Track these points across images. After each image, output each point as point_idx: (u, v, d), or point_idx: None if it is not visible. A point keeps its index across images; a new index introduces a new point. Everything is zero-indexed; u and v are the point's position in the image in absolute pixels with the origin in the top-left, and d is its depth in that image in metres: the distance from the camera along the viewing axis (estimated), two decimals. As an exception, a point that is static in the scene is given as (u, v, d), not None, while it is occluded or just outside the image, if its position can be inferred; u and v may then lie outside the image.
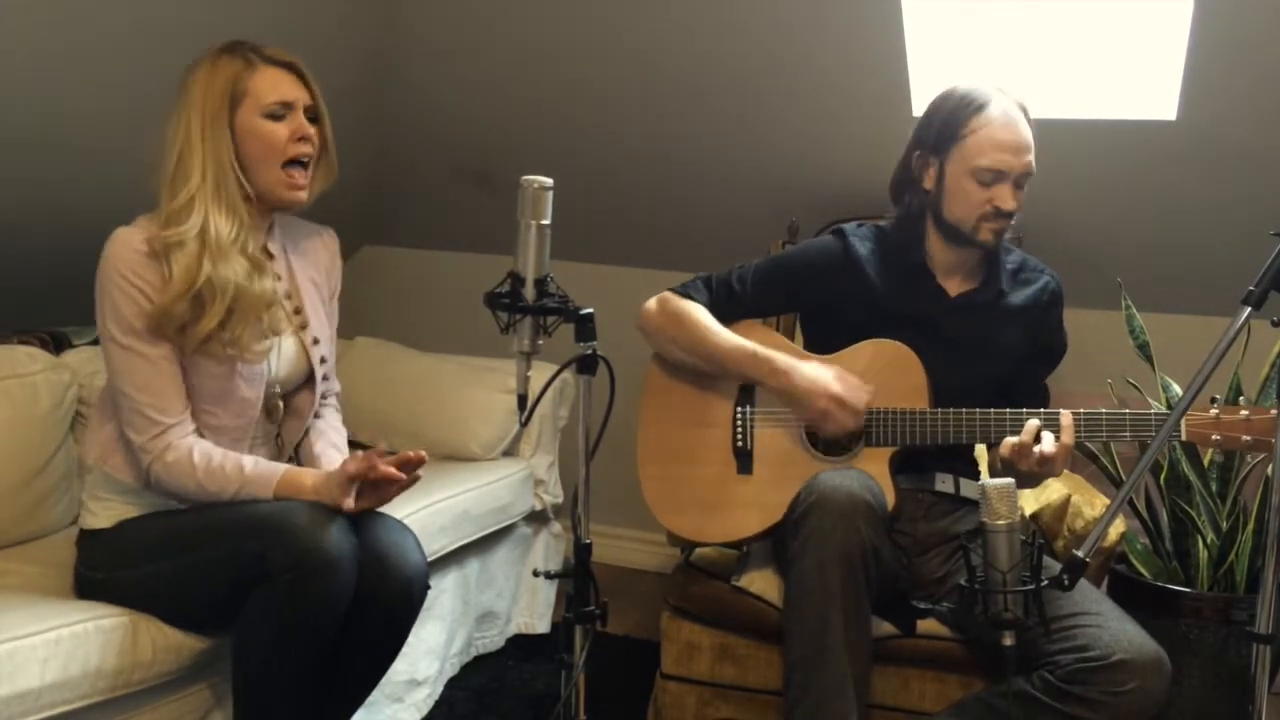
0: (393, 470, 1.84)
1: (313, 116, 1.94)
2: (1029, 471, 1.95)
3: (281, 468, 1.89)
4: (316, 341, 2.04)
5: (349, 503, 1.82)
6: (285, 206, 1.96)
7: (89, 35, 2.29)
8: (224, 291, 1.83)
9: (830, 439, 2.12)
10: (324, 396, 2.10)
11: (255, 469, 1.87)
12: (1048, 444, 1.94)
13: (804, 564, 1.91)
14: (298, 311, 2.03)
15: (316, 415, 2.09)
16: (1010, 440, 1.95)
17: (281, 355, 1.98)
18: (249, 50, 1.90)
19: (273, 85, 1.89)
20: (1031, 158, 2.09)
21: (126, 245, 1.83)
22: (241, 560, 1.76)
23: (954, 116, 2.11)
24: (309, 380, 2.06)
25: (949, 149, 2.11)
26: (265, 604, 1.75)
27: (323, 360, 2.06)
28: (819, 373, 2.08)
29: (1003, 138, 2.07)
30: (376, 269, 3.80)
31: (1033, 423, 1.96)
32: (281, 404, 2.03)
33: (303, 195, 1.94)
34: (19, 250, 2.58)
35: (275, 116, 1.89)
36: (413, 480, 1.91)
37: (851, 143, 2.86)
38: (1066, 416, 1.97)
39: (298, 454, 2.07)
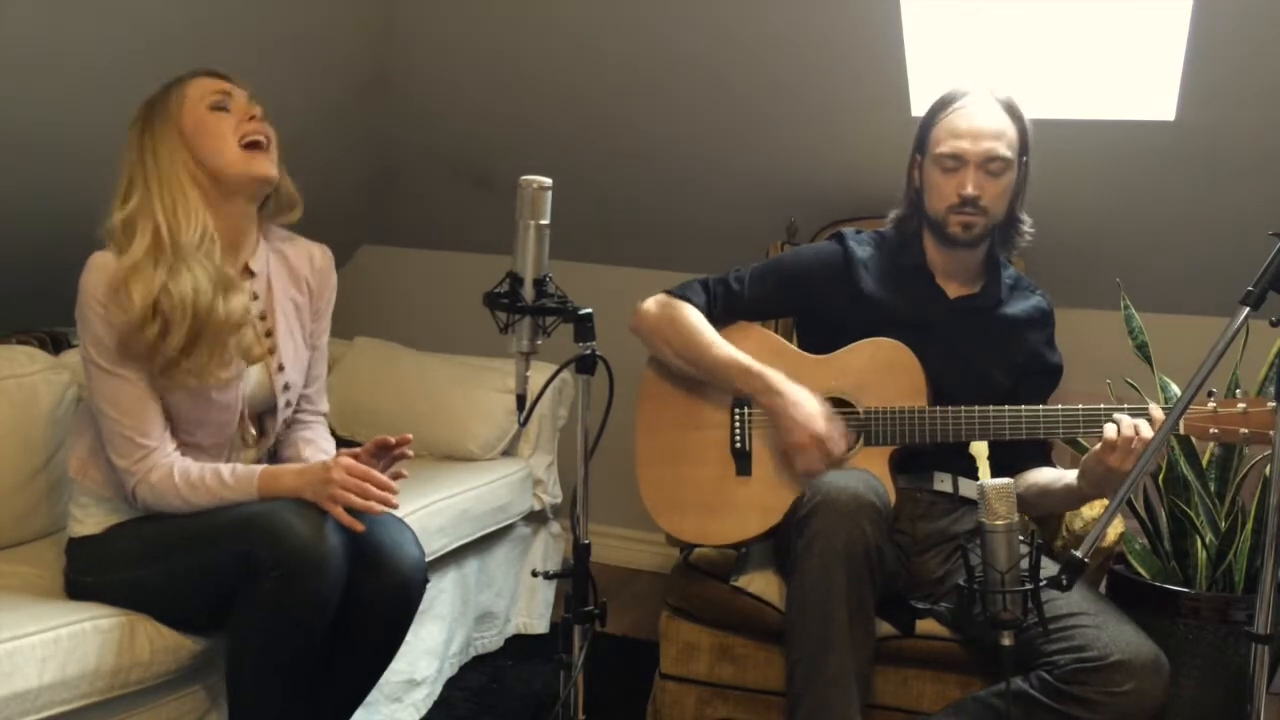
0: (379, 478, 1.83)
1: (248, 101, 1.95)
2: (1119, 467, 1.86)
3: (258, 469, 1.88)
4: (281, 369, 2.00)
5: (340, 514, 1.80)
6: (255, 183, 1.92)
7: (88, 39, 2.29)
8: (184, 305, 1.80)
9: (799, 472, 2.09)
10: (298, 412, 2.08)
11: (234, 475, 1.87)
12: (1145, 429, 1.87)
13: (808, 563, 1.91)
14: (269, 334, 2.00)
15: (288, 423, 2.07)
16: (1111, 431, 1.87)
17: (248, 379, 1.96)
18: (168, 86, 1.92)
19: (205, 84, 1.91)
20: (995, 145, 2.09)
21: (102, 270, 1.82)
22: (230, 561, 1.76)
23: (929, 114, 2.18)
24: (273, 406, 2.03)
25: (924, 146, 2.16)
26: (254, 603, 1.75)
27: (286, 387, 2.02)
28: (811, 406, 2.07)
29: (959, 125, 2.10)
30: (376, 269, 3.80)
31: (1125, 416, 1.89)
32: (253, 426, 2.01)
33: (270, 168, 1.91)
34: (18, 251, 2.58)
35: (218, 106, 1.89)
36: (394, 475, 1.89)
37: (851, 144, 2.86)
38: (1157, 409, 1.92)
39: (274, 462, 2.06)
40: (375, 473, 1.84)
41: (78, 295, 1.84)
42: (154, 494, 1.86)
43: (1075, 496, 2.05)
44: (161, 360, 1.82)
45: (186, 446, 1.92)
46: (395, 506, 1.85)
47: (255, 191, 1.94)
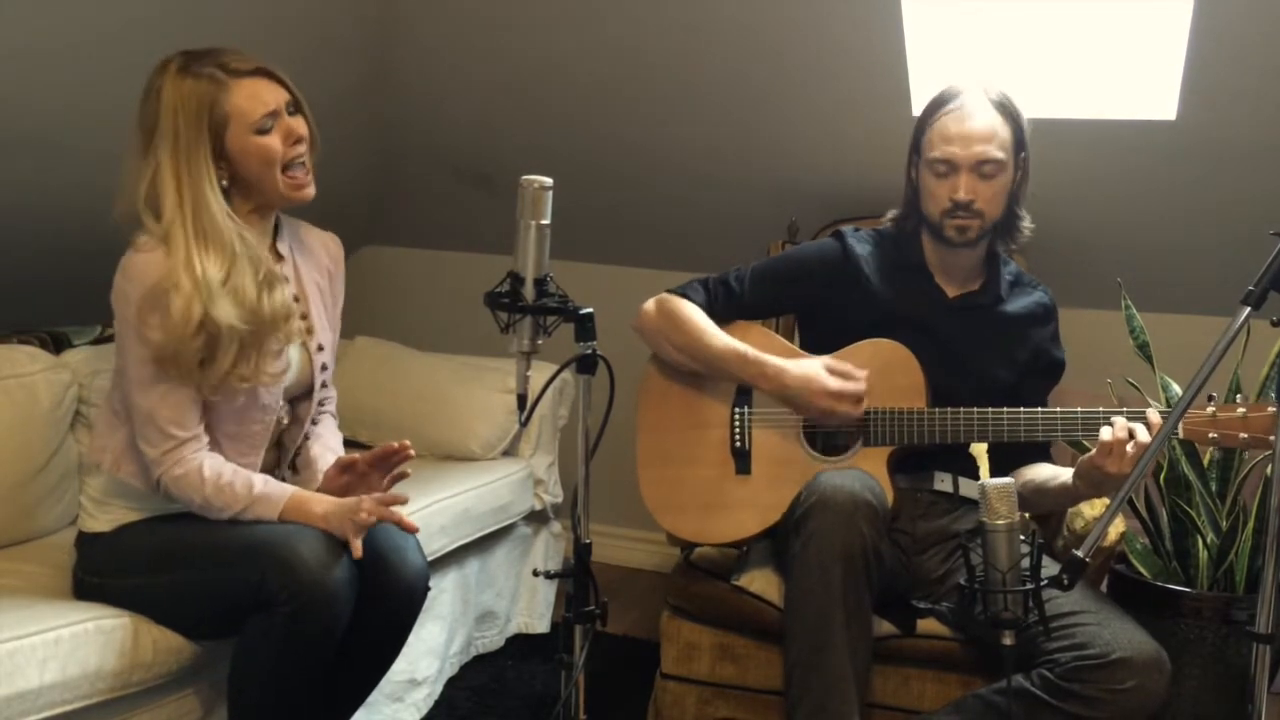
0: (388, 507, 1.84)
1: (293, 110, 1.90)
2: (1118, 472, 1.86)
3: (290, 490, 1.87)
4: (321, 349, 2.02)
5: (356, 544, 1.80)
6: (297, 204, 1.92)
7: (89, 35, 2.29)
8: (229, 332, 1.78)
9: (832, 434, 2.12)
10: (321, 403, 2.09)
11: (264, 489, 1.85)
12: (1142, 434, 1.86)
13: (805, 563, 1.91)
14: (303, 317, 2.00)
15: (314, 421, 2.08)
16: (1106, 434, 1.86)
17: (290, 363, 1.96)
18: (213, 66, 1.81)
19: (254, 98, 1.83)
20: (986, 148, 2.08)
21: (140, 281, 1.78)
22: (239, 586, 1.75)
23: (923, 115, 2.17)
24: (310, 387, 2.04)
25: (919, 147, 2.16)
26: (263, 633, 1.74)
27: (324, 367, 2.03)
28: (809, 370, 2.08)
29: (951, 129, 2.10)
30: (377, 269, 3.80)
31: (1121, 420, 1.88)
32: (289, 406, 2.01)
33: (310, 191, 1.91)
34: (19, 250, 2.58)
35: (264, 130, 1.84)
36: (399, 475, 1.91)
37: (852, 143, 2.86)
38: (1154, 414, 1.91)
39: (295, 460, 2.06)
40: (399, 503, 1.85)
41: (115, 297, 1.82)
42: (176, 486, 1.85)
43: (1071, 495, 2.06)
44: (215, 375, 1.80)
45: (228, 437, 1.90)
46: (414, 529, 1.87)
47: (291, 207, 1.95)
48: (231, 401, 1.87)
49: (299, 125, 1.89)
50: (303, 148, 1.89)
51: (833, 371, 2.07)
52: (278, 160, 1.86)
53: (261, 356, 1.85)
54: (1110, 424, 1.88)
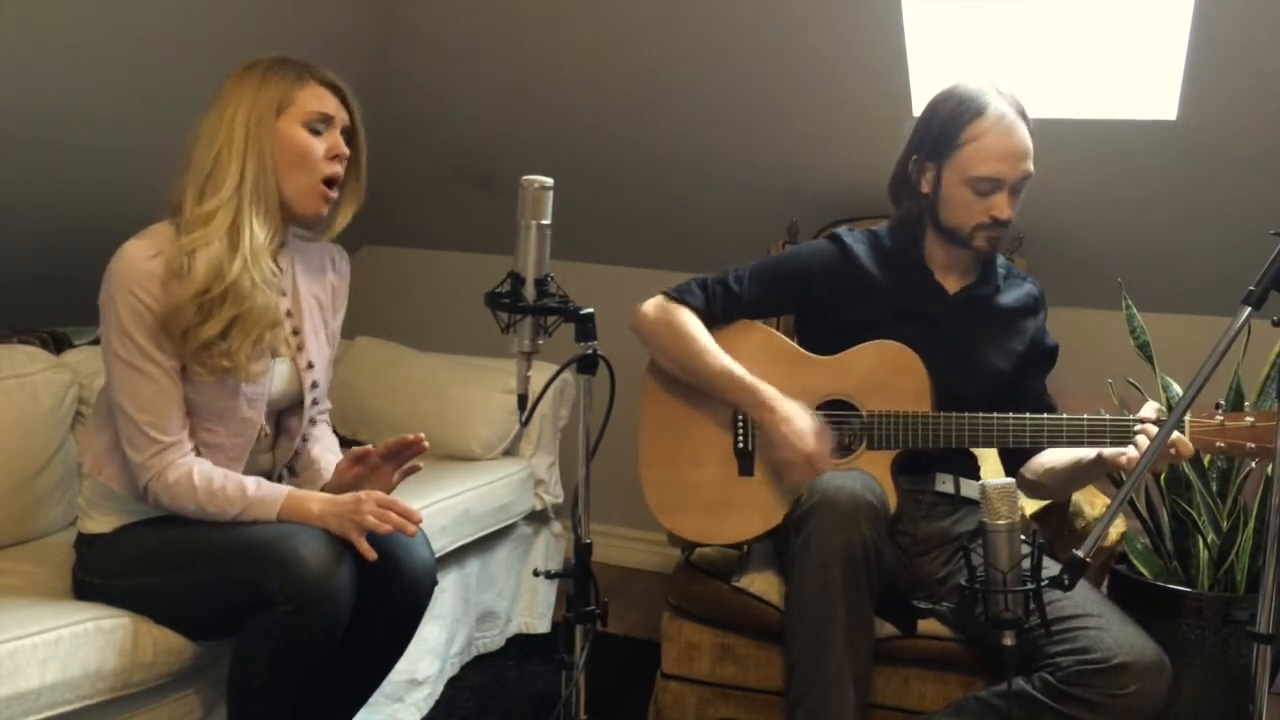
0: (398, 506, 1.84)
1: (348, 139, 1.94)
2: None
3: (285, 490, 1.87)
4: (311, 366, 2.01)
5: (363, 545, 1.80)
6: (307, 218, 1.94)
7: (88, 35, 2.29)
8: (239, 297, 1.81)
9: (836, 436, 2.11)
10: (314, 419, 2.09)
11: (258, 491, 1.85)
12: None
13: (806, 564, 1.91)
14: (295, 332, 1.99)
15: (304, 439, 2.07)
16: (1133, 452, 1.90)
17: (275, 376, 1.95)
18: (302, 67, 1.92)
19: (318, 98, 1.90)
20: (1029, 164, 2.08)
21: (136, 259, 1.80)
22: (238, 586, 1.75)
23: (951, 123, 2.10)
24: (300, 402, 2.02)
25: (946, 156, 2.11)
26: (263, 632, 1.74)
27: (314, 385, 2.02)
28: (801, 422, 2.06)
29: (999, 147, 2.06)
30: (376, 269, 3.80)
31: (1143, 439, 1.91)
32: (270, 426, 2.00)
33: (325, 209, 1.94)
34: (19, 250, 2.58)
35: (313, 130, 1.89)
36: (411, 469, 1.93)
37: (852, 143, 2.86)
38: (1151, 409, 1.96)
39: (290, 470, 2.06)
40: (400, 502, 1.84)
41: (105, 282, 1.82)
42: (169, 494, 1.84)
43: (1085, 476, 2.07)
44: (197, 342, 1.81)
45: (207, 447, 1.90)
46: (413, 534, 1.86)
47: (302, 220, 1.95)
48: (214, 390, 1.86)
49: (346, 151, 1.93)
50: (339, 167, 1.92)
51: (819, 440, 2.05)
52: (311, 159, 1.88)
53: (245, 342, 1.84)
54: (1145, 432, 1.91)
